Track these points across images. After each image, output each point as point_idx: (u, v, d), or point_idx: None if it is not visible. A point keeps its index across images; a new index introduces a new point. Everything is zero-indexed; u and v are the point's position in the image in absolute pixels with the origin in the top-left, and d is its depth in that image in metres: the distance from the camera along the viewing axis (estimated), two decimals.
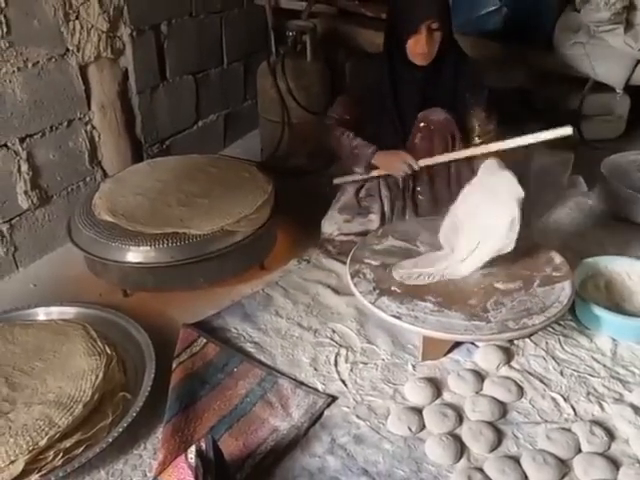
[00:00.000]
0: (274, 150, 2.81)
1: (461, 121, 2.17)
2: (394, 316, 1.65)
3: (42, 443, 1.41)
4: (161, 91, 2.64)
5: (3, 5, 1.92)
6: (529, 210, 2.43)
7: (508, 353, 1.77)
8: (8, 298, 2.04)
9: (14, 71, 2.01)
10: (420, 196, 2.24)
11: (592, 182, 2.64)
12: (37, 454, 1.40)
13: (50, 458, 1.42)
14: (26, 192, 2.13)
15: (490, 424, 1.54)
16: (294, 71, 2.70)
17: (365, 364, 1.76)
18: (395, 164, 2.16)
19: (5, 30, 1.94)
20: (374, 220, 2.21)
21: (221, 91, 3.06)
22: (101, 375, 1.59)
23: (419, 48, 2.02)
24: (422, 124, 2.14)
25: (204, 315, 1.97)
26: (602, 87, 2.80)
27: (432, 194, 2.22)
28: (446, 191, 2.19)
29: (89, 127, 2.33)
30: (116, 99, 2.40)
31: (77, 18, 2.17)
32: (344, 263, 2.16)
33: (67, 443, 1.45)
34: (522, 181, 2.53)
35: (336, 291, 2.06)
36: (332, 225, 2.23)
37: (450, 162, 2.17)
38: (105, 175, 2.43)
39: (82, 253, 2.04)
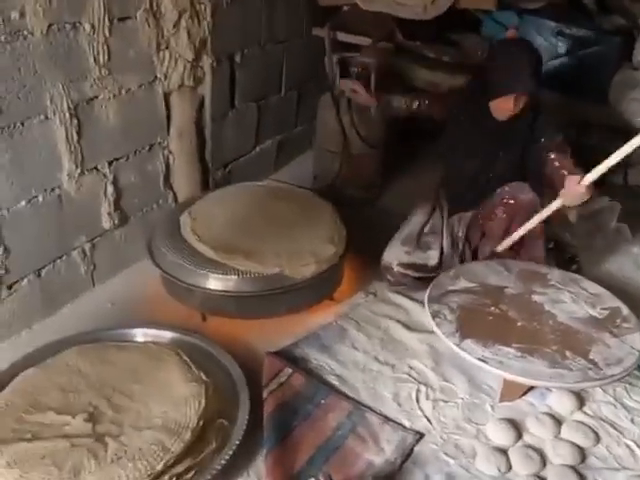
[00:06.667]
0: (332, 180, 2.90)
1: (538, 167, 2.20)
2: (480, 359, 1.74)
3: (159, 468, 1.48)
4: (230, 118, 2.72)
5: (107, 35, 1.99)
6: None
7: (580, 399, 1.86)
8: (89, 317, 2.10)
9: (109, 98, 2.08)
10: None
11: (638, 230, 2.76)
12: (154, 479, 1.47)
13: None
14: (109, 213, 2.20)
15: (573, 468, 1.63)
16: (358, 106, 2.79)
17: (446, 402, 1.84)
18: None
19: (106, 59, 2.01)
20: (433, 257, 2.30)
21: (277, 118, 3.15)
22: (204, 402, 1.66)
23: (505, 109, 2.12)
24: (508, 200, 2.21)
25: (278, 341, 2.04)
26: None
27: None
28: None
29: (166, 151, 2.40)
30: (192, 125, 2.48)
31: (167, 48, 2.25)
32: (410, 298, 2.28)
33: (180, 468, 1.51)
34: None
35: (407, 327, 2.14)
36: (392, 254, 2.31)
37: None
38: (175, 198, 2.50)
39: (156, 274, 2.12)
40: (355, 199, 2.92)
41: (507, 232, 2.23)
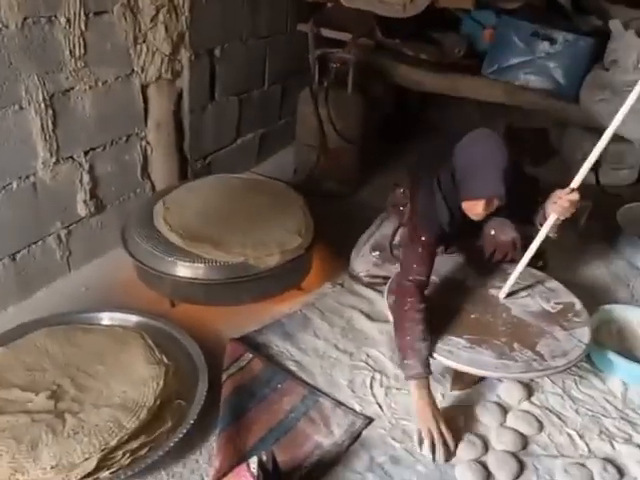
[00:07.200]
0: (309, 173, 2.96)
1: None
2: None
3: (113, 443, 1.56)
4: (209, 111, 2.79)
5: (83, 29, 2.06)
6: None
7: (529, 389, 1.93)
8: (63, 301, 2.18)
9: (86, 89, 2.15)
10: None
11: (607, 229, 2.82)
12: (107, 453, 1.55)
13: (118, 457, 1.56)
14: (85, 201, 2.28)
15: (513, 455, 1.70)
16: (336, 101, 2.86)
17: (398, 389, 1.91)
18: (422, 418, 1.72)
19: (82, 52, 2.08)
20: None
21: (260, 111, 3.22)
22: (162, 383, 1.74)
23: (473, 212, 1.93)
24: (492, 239, 2.15)
25: (244, 328, 2.12)
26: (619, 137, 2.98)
27: None
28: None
29: (144, 142, 2.48)
30: (170, 117, 2.55)
31: (144, 41, 2.31)
32: (376, 290, 2.34)
33: (134, 444, 1.59)
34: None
35: (369, 317, 2.21)
36: (361, 265, 2.39)
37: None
38: (153, 188, 2.58)
39: (130, 261, 2.19)
40: (332, 192, 2.99)
41: (489, 259, 2.21)
